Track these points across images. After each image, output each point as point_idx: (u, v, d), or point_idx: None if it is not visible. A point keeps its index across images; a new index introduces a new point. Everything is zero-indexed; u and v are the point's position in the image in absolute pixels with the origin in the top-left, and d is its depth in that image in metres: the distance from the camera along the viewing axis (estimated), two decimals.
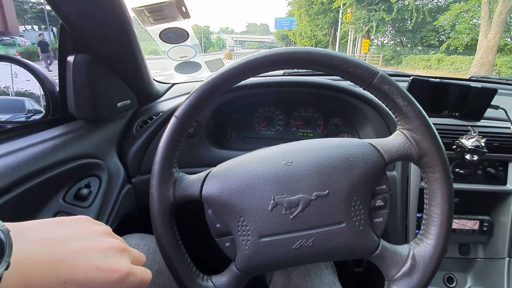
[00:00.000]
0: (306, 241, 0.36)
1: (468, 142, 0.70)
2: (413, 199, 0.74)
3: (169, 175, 0.39)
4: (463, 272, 0.84)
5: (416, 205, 0.74)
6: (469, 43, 12.82)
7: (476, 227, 0.79)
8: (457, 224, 0.79)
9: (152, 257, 0.50)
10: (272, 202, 0.36)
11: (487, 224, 0.79)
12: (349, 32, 19.46)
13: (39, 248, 0.24)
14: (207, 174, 0.40)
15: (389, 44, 19.62)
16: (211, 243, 0.40)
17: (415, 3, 14.80)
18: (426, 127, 0.37)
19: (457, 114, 0.78)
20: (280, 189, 0.37)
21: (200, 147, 0.77)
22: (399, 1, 15.37)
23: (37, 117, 0.67)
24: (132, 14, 0.65)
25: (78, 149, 0.57)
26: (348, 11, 17.57)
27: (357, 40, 19.06)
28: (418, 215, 0.74)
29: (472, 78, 1.11)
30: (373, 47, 20.21)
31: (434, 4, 15.80)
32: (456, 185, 0.73)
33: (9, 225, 0.23)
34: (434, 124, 0.37)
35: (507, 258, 0.76)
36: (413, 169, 0.73)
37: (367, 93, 0.74)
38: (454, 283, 0.83)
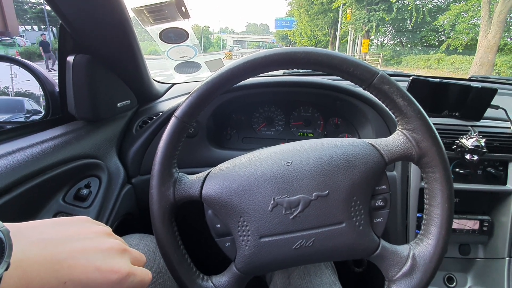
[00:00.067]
0: (306, 241, 0.36)
1: (468, 142, 0.70)
2: (413, 199, 0.74)
3: (169, 175, 0.39)
4: (463, 272, 0.83)
5: (416, 205, 0.74)
6: (469, 43, 12.82)
7: (476, 227, 0.79)
8: (457, 224, 0.79)
9: (152, 257, 0.50)
10: (272, 202, 0.36)
11: (487, 224, 0.79)
12: (349, 32, 19.47)
13: (39, 248, 0.24)
14: (207, 174, 0.40)
15: (389, 44, 19.63)
16: (211, 243, 0.40)
17: (415, 3, 14.81)
18: (426, 127, 0.37)
19: (457, 114, 0.78)
20: (280, 189, 0.37)
21: (200, 147, 0.77)
22: (399, 1, 15.37)
23: (37, 117, 0.67)
24: (132, 14, 0.65)
25: (78, 149, 0.57)
26: (348, 11, 17.57)
27: (357, 40, 19.06)
28: (418, 215, 0.74)
29: (472, 78, 1.11)
30: (373, 47, 20.22)
31: (434, 4, 15.81)
32: (456, 185, 0.73)
33: (9, 225, 0.23)
34: (434, 124, 0.37)
35: (507, 258, 0.76)
36: (413, 169, 0.73)
37: (367, 93, 0.74)
38: (454, 283, 0.83)
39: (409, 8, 14.89)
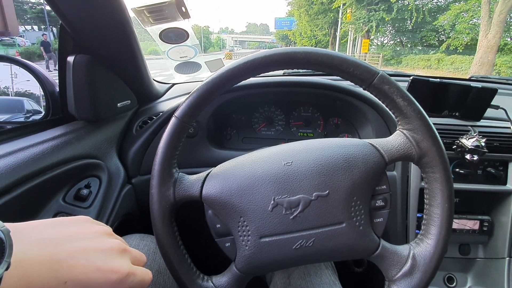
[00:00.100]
0: (307, 242, 0.36)
1: (468, 142, 0.70)
2: (413, 199, 0.74)
3: (169, 176, 0.39)
4: (463, 272, 0.83)
5: (416, 205, 0.74)
6: (469, 43, 12.82)
7: (476, 227, 0.79)
8: (457, 224, 0.79)
9: (152, 257, 0.50)
10: (272, 202, 0.36)
11: (487, 224, 0.79)
12: (349, 32, 19.47)
13: (39, 248, 0.24)
14: (207, 175, 0.40)
15: (389, 44, 19.62)
16: (211, 243, 0.40)
17: (415, 3, 14.80)
18: (426, 127, 0.37)
19: (457, 114, 0.78)
20: (280, 189, 0.37)
21: (200, 147, 0.77)
22: (399, 1, 15.37)
23: (37, 117, 0.67)
24: (132, 14, 0.65)
25: (78, 149, 0.57)
26: (348, 11, 17.57)
27: (357, 40, 19.06)
28: (418, 215, 0.74)
29: (472, 78, 1.11)
30: (373, 47, 20.22)
31: (434, 4, 15.81)
32: (456, 185, 0.73)
33: (9, 225, 0.23)
34: (434, 124, 0.37)
35: (507, 258, 0.76)
36: (413, 169, 0.73)
37: (367, 93, 0.74)
38: (454, 283, 0.83)
39: (409, 8, 14.89)
